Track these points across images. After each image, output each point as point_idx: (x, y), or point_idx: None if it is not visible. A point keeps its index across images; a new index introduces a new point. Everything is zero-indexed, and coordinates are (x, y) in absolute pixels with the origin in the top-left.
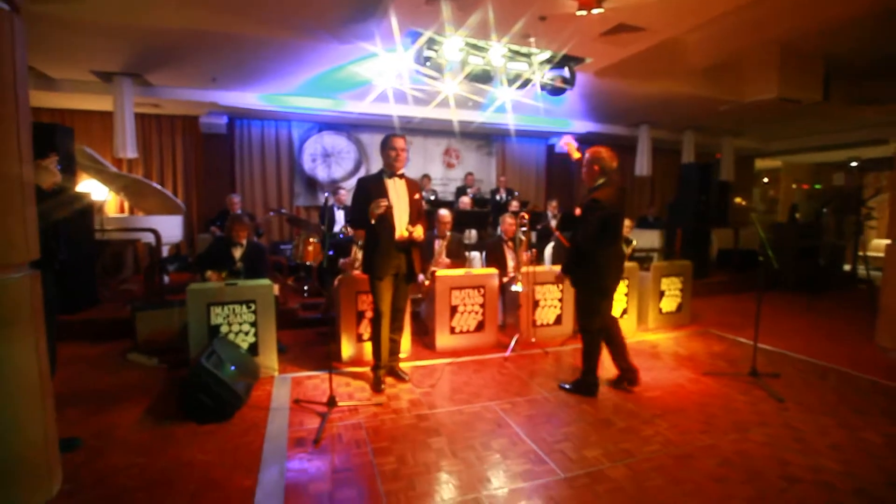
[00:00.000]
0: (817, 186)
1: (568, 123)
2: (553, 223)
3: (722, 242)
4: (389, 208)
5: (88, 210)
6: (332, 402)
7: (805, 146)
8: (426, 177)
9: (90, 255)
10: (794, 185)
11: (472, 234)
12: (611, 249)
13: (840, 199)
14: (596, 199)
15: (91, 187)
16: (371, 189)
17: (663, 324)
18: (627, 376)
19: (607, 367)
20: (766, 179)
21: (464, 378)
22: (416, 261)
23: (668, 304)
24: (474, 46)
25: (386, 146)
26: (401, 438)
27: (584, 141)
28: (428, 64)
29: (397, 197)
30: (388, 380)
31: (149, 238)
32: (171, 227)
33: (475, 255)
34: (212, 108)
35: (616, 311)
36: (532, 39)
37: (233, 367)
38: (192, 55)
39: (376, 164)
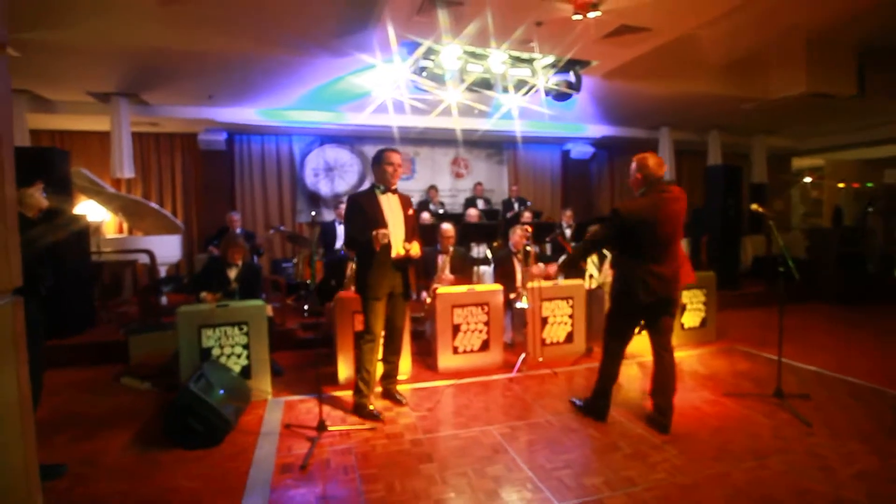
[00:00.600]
0: (869, 185)
1: (582, 128)
2: (568, 232)
3: (758, 249)
4: (383, 225)
5: (84, 232)
6: (321, 426)
7: (848, 142)
8: (433, 188)
9: (86, 278)
10: (840, 185)
11: (480, 249)
12: (642, 266)
13: (888, 198)
14: (616, 208)
15: (89, 209)
16: (365, 206)
17: (685, 340)
18: (656, 417)
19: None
20: (808, 179)
21: (464, 401)
22: (412, 279)
23: (690, 318)
24: (473, 54)
25: (382, 161)
26: (391, 464)
27: (601, 145)
28: (424, 74)
29: (392, 213)
30: (385, 403)
31: (147, 259)
32: (169, 247)
33: (485, 269)
34: (210, 124)
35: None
36: (533, 44)
37: (221, 391)
38: (187, 74)
39: None
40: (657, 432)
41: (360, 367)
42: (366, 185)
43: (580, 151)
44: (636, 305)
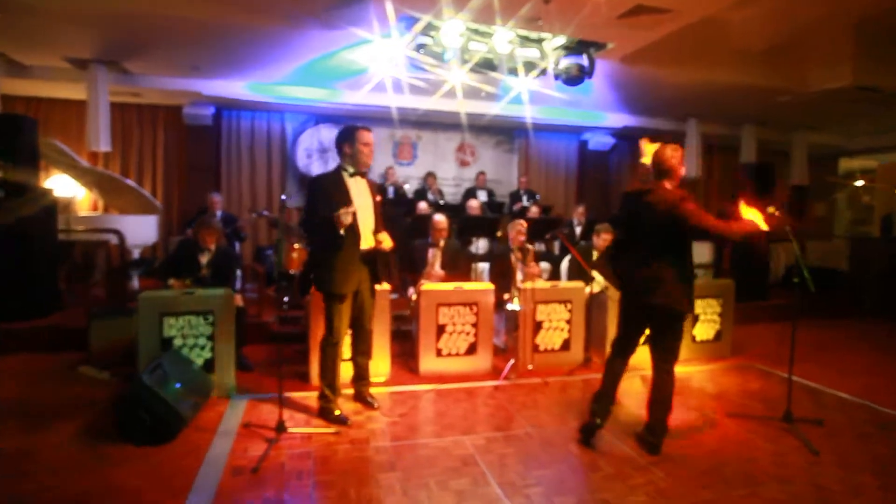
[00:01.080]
0: None
1: (601, 117)
2: (578, 231)
3: (792, 258)
4: (354, 214)
5: (52, 208)
6: (280, 427)
7: None
8: (431, 175)
9: (54, 257)
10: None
11: (480, 244)
12: (627, 261)
13: None
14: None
15: (60, 183)
16: (330, 189)
17: (697, 354)
18: (645, 436)
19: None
20: (860, 182)
21: (441, 407)
22: (395, 273)
23: (703, 331)
24: (476, 31)
25: (354, 140)
26: (350, 472)
27: (622, 136)
28: (423, 51)
29: (361, 199)
30: (356, 406)
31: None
32: (145, 228)
33: (483, 267)
34: (196, 97)
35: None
36: (541, 23)
37: (178, 385)
38: (172, 42)
39: (378, 161)
40: (645, 453)
41: (324, 371)
42: None
43: (599, 142)
44: (624, 306)
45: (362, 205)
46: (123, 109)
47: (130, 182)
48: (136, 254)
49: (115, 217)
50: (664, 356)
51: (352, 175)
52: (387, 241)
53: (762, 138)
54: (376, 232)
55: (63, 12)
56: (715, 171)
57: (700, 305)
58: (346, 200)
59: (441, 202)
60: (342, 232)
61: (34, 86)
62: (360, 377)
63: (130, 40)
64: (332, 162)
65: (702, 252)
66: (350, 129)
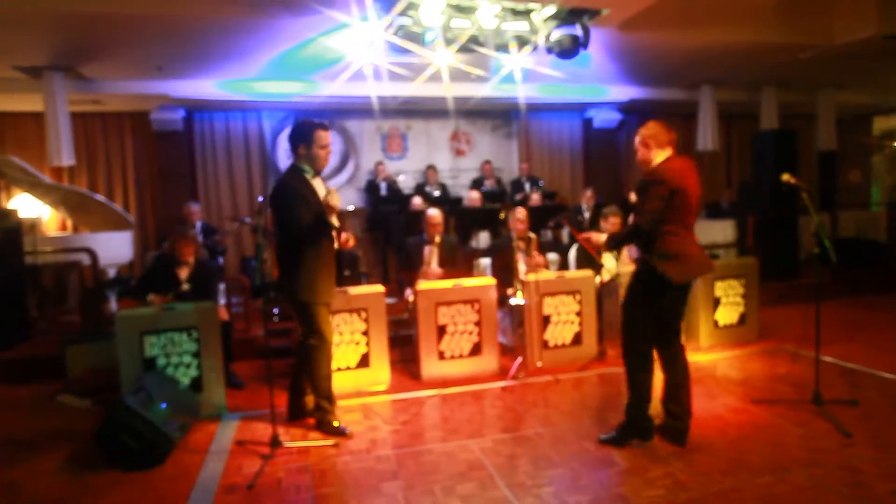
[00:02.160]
0: None
1: (604, 91)
2: (587, 216)
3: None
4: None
5: (16, 230)
6: (275, 442)
7: None
8: (431, 168)
9: (20, 283)
10: None
11: (482, 238)
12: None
13: None
14: (658, 172)
15: (23, 203)
16: (304, 192)
17: (720, 340)
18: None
19: None
20: None
21: (445, 412)
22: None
23: (726, 314)
24: (458, 7)
25: (311, 142)
26: (350, 483)
27: (630, 111)
28: (400, 33)
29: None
30: (356, 416)
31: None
32: (119, 246)
33: (485, 262)
34: (163, 101)
35: None
36: None
37: (164, 405)
38: (131, 42)
39: (367, 157)
40: (673, 444)
41: (318, 380)
42: (350, 168)
43: (604, 119)
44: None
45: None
46: (86, 119)
47: (99, 197)
48: (111, 273)
49: (86, 236)
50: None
51: (313, 177)
52: (352, 240)
53: (784, 102)
54: (338, 233)
55: (11, 15)
56: (734, 142)
57: (721, 287)
58: (317, 204)
59: (436, 194)
60: (336, 222)
61: None
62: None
63: (85, 42)
64: None
65: (724, 230)
66: (306, 128)
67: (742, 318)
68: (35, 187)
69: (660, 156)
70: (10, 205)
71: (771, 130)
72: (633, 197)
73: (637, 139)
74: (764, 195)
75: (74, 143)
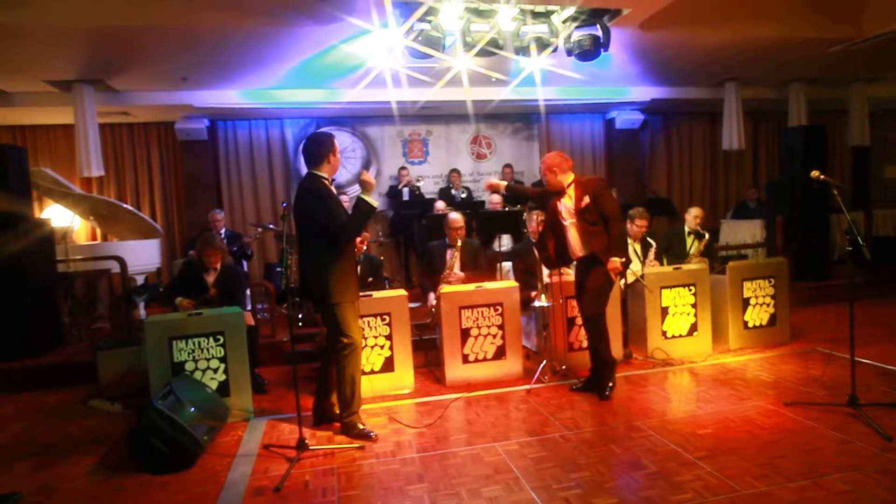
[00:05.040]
0: None
1: (625, 92)
2: None
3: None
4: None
5: (49, 239)
6: (301, 445)
7: None
8: (455, 171)
9: (53, 291)
10: None
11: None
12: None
13: None
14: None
15: (55, 213)
16: (332, 195)
17: (750, 342)
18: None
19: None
20: None
21: (470, 416)
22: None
23: (756, 315)
24: (476, 11)
25: (334, 149)
26: (376, 486)
27: (653, 111)
28: (419, 39)
29: None
30: (380, 419)
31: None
32: (147, 253)
33: (509, 265)
34: (188, 111)
35: (680, 327)
36: None
37: (192, 409)
38: (155, 54)
39: (388, 162)
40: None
41: (348, 384)
42: (372, 173)
43: (627, 120)
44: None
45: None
46: (114, 130)
47: (128, 206)
48: (140, 280)
49: (115, 244)
50: None
51: (331, 184)
52: (365, 242)
53: (813, 97)
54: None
55: (42, 31)
56: (760, 140)
57: (750, 288)
58: (343, 209)
59: (462, 196)
60: (376, 204)
61: (19, 113)
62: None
63: (113, 55)
64: (340, 168)
65: (753, 230)
66: (329, 138)
67: (772, 319)
68: (66, 197)
69: (568, 178)
70: (43, 215)
71: (799, 127)
72: (586, 202)
73: (543, 168)
74: (793, 194)
75: (103, 153)
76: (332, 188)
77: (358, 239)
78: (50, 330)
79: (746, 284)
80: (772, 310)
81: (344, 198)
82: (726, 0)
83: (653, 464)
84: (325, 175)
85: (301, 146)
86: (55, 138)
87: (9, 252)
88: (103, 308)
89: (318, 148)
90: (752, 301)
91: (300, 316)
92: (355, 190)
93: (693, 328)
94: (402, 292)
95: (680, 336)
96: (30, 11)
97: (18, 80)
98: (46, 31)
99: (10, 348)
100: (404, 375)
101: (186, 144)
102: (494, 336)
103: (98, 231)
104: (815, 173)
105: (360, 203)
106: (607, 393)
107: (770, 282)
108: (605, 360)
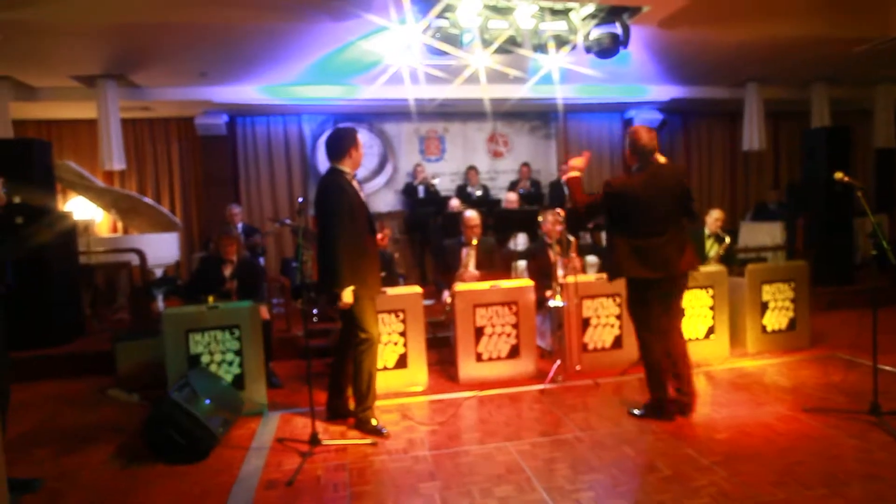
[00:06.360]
0: None
1: (644, 90)
2: None
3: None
4: (369, 213)
5: (71, 232)
6: (314, 440)
7: None
8: (472, 169)
9: (75, 282)
10: None
11: (519, 240)
12: (630, 241)
13: None
14: (607, 182)
15: (78, 205)
16: (349, 192)
17: (768, 346)
18: (677, 399)
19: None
20: None
21: (483, 414)
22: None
23: (775, 319)
24: (495, 8)
25: (357, 143)
26: (387, 482)
27: (672, 110)
28: (437, 35)
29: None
30: (392, 416)
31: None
32: (166, 246)
33: (524, 264)
34: (207, 106)
35: (697, 330)
36: None
37: (208, 401)
38: (176, 50)
39: (404, 159)
40: (679, 415)
41: (359, 378)
42: (388, 170)
43: (645, 119)
44: (637, 283)
45: (364, 206)
46: (135, 125)
47: (148, 200)
48: (158, 273)
49: (136, 237)
50: (672, 323)
51: (352, 179)
52: (385, 238)
53: (836, 98)
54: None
55: (67, 28)
56: (782, 141)
57: (769, 291)
58: (362, 206)
59: (478, 193)
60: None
61: (44, 108)
62: (343, 390)
63: (136, 51)
64: None
65: (772, 233)
66: (351, 132)
67: (792, 324)
68: (89, 190)
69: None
70: (66, 207)
71: (822, 128)
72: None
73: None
74: (815, 195)
75: (125, 147)
76: (354, 183)
77: (379, 235)
78: (72, 320)
79: (765, 287)
80: (791, 314)
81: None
82: None
83: (667, 467)
84: (347, 169)
85: (321, 141)
86: (79, 132)
87: (35, 244)
88: (123, 300)
89: (340, 142)
90: (772, 305)
91: (315, 311)
92: (372, 185)
93: (710, 331)
94: (417, 289)
95: (697, 339)
96: (58, 8)
97: (45, 75)
98: (73, 27)
99: (33, 337)
100: (418, 372)
101: (206, 139)
102: (508, 335)
103: (119, 224)
104: (838, 175)
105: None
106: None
107: (790, 285)
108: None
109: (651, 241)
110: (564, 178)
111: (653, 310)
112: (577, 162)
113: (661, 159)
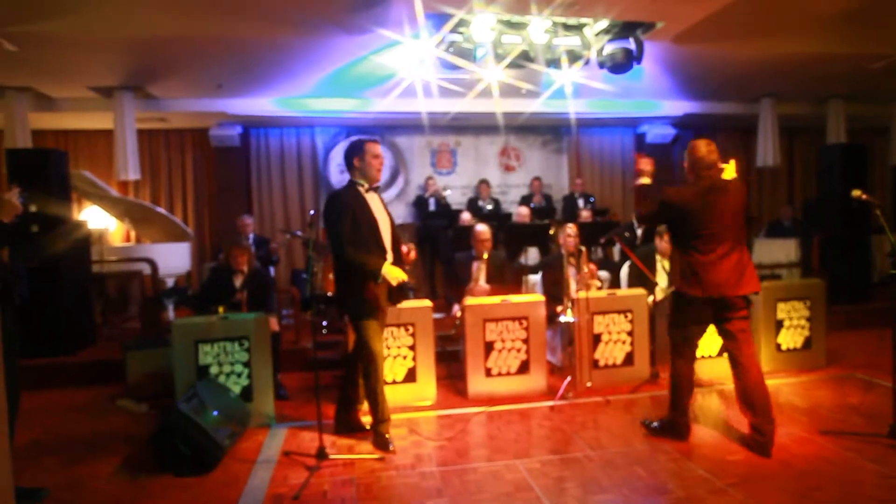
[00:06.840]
0: None
1: (657, 106)
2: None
3: None
4: (377, 227)
5: (86, 240)
6: (321, 454)
7: None
8: (484, 182)
9: (87, 291)
10: None
11: (530, 255)
12: (687, 257)
13: None
14: (664, 190)
15: (92, 215)
16: (354, 206)
17: (783, 365)
18: (754, 437)
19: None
20: None
21: (492, 430)
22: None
23: (790, 338)
24: (509, 23)
25: (363, 152)
26: (395, 498)
27: (685, 126)
28: (451, 49)
29: (380, 215)
30: (400, 431)
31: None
32: (177, 256)
33: (535, 279)
34: (222, 118)
35: (712, 348)
36: (578, 7)
37: (215, 413)
38: (193, 62)
39: (416, 172)
40: (758, 455)
41: (366, 393)
42: (399, 183)
43: (658, 134)
44: (688, 300)
45: (382, 221)
46: (151, 136)
47: (161, 210)
48: (170, 283)
49: (148, 246)
50: (739, 349)
51: (367, 191)
52: (412, 254)
53: (853, 114)
54: (395, 247)
55: (87, 40)
56: (797, 157)
57: (784, 309)
58: (371, 219)
59: (488, 208)
60: (378, 280)
61: (62, 118)
62: (361, 400)
63: (153, 63)
64: None
65: (787, 249)
66: (359, 142)
67: (807, 342)
68: (103, 200)
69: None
70: (81, 216)
71: (838, 144)
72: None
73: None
74: (831, 213)
75: (140, 158)
76: (369, 195)
77: (404, 248)
78: (83, 329)
79: (780, 305)
80: (807, 332)
81: None
82: (762, 15)
83: (680, 489)
84: (361, 181)
85: (334, 153)
86: (95, 142)
87: (50, 253)
88: (134, 309)
89: (347, 154)
90: (787, 323)
91: (324, 323)
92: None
93: (723, 349)
94: (427, 303)
95: (709, 357)
96: (79, 22)
97: (64, 86)
98: (93, 40)
99: (45, 345)
100: (426, 387)
101: (220, 150)
102: (519, 350)
103: (132, 233)
104: (856, 192)
105: (363, 268)
106: None
107: (805, 303)
108: None
109: (703, 257)
110: (635, 184)
111: (691, 333)
112: (647, 166)
113: (729, 174)
